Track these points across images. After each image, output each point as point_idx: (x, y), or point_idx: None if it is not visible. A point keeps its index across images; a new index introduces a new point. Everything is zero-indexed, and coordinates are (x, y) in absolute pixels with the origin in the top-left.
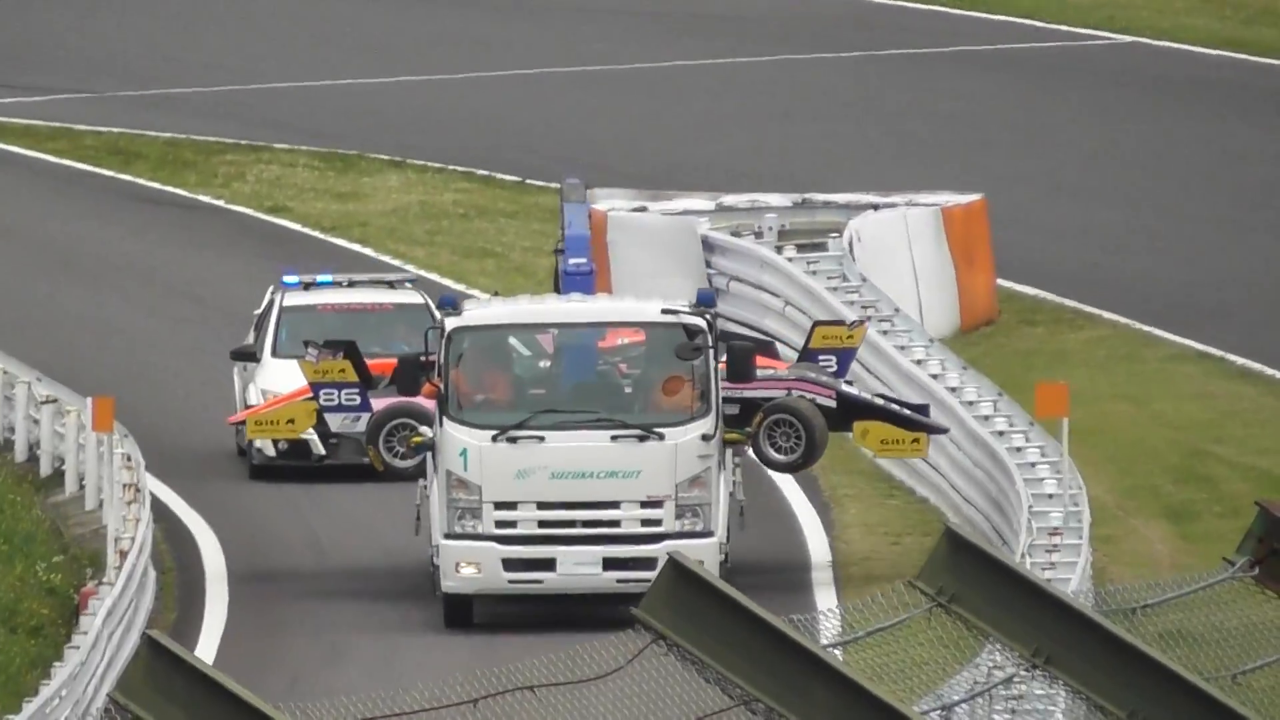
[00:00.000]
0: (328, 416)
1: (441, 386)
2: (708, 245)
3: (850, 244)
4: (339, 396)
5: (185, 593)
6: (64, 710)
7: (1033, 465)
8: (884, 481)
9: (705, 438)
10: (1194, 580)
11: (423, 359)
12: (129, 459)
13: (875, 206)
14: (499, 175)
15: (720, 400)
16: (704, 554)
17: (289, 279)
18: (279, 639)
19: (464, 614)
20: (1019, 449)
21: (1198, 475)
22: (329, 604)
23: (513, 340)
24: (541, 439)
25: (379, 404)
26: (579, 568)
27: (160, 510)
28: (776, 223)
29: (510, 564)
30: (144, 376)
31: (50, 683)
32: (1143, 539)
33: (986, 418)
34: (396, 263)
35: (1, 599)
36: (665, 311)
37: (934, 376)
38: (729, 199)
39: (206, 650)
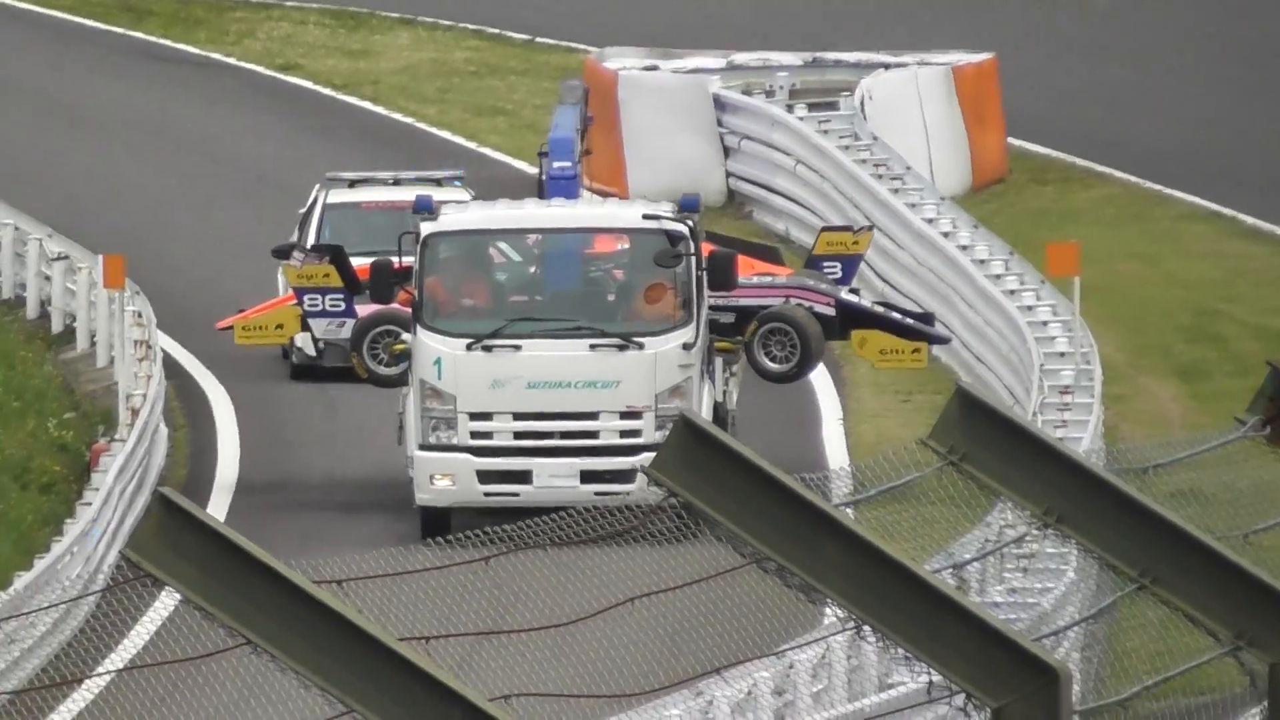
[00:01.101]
0: (312, 322)
1: (416, 293)
2: (719, 104)
3: (861, 103)
4: (323, 302)
5: (197, 450)
6: (75, 567)
7: (1044, 324)
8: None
9: (686, 347)
10: (1205, 439)
11: (397, 265)
12: (140, 316)
13: (886, 66)
14: (509, 33)
15: (704, 308)
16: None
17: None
18: (290, 497)
19: (441, 526)
20: (1030, 308)
21: (1208, 334)
22: (344, 463)
23: (502, 245)
24: (517, 348)
25: (363, 310)
26: (556, 480)
27: (172, 367)
28: (788, 81)
29: (485, 476)
30: (155, 233)
31: (62, 540)
32: (1154, 398)
33: (998, 276)
34: (407, 120)
35: (13, 456)
36: (647, 217)
37: (945, 235)
38: (740, 57)
39: (218, 508)
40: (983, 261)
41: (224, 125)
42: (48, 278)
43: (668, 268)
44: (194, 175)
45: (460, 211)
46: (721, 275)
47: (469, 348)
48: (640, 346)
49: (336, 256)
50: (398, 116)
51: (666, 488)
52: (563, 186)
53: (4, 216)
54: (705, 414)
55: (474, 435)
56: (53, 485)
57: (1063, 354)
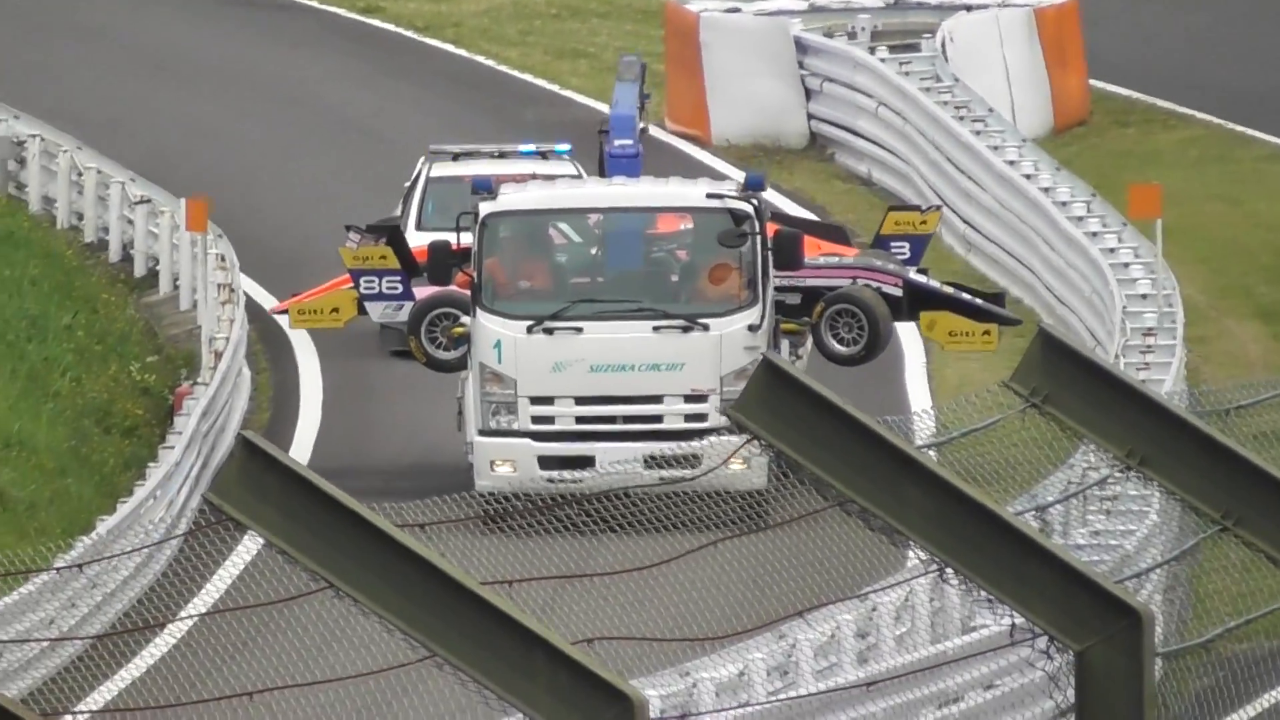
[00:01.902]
0: (368, 305)
1: (475, 275)
2: (800, 46)
3: (943, 45)
4: (379, 284)
5: (280, 393)
6: (158, 510)
7: (1126, 266)
8: (977, 282)
9: (752, 328)
10: None
11: (455, 246)
12: (223, 259)
13: (968, 7)
14: None
15: (770, 289)
16: (750, 451)
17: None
18: (373, 441)
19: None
20: (1112, 250)
21: None
22: (429, 405)
23: (562, 225)
24: (579, 330)
25: (421, 292)
26: (619, 465)
27: (254, 311)
28: (869, 23)
29: (547, 461)
30: (238, 178)
31: (144, 483)
32: (1236, 339)
33: (1080, 219)
34: (489, 63)
35: (96, 399)
36: (711, 196)
37: (1027, 177)
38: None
39: (300, 452)
40: (1065, 204)
41: (306, 69)
42: (130, 221)
43: (732, 247)
44: (276, 119)
45: (520, 191)
46: (787, 255)
47: (529, 330)
48: (705, 328)
49: (393, 237)
50: (480, 59)
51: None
52: (624, 165)
53: (87, 161)
54: None
55: (535, 420)
56: (135, 429)
57: (1145, 296)
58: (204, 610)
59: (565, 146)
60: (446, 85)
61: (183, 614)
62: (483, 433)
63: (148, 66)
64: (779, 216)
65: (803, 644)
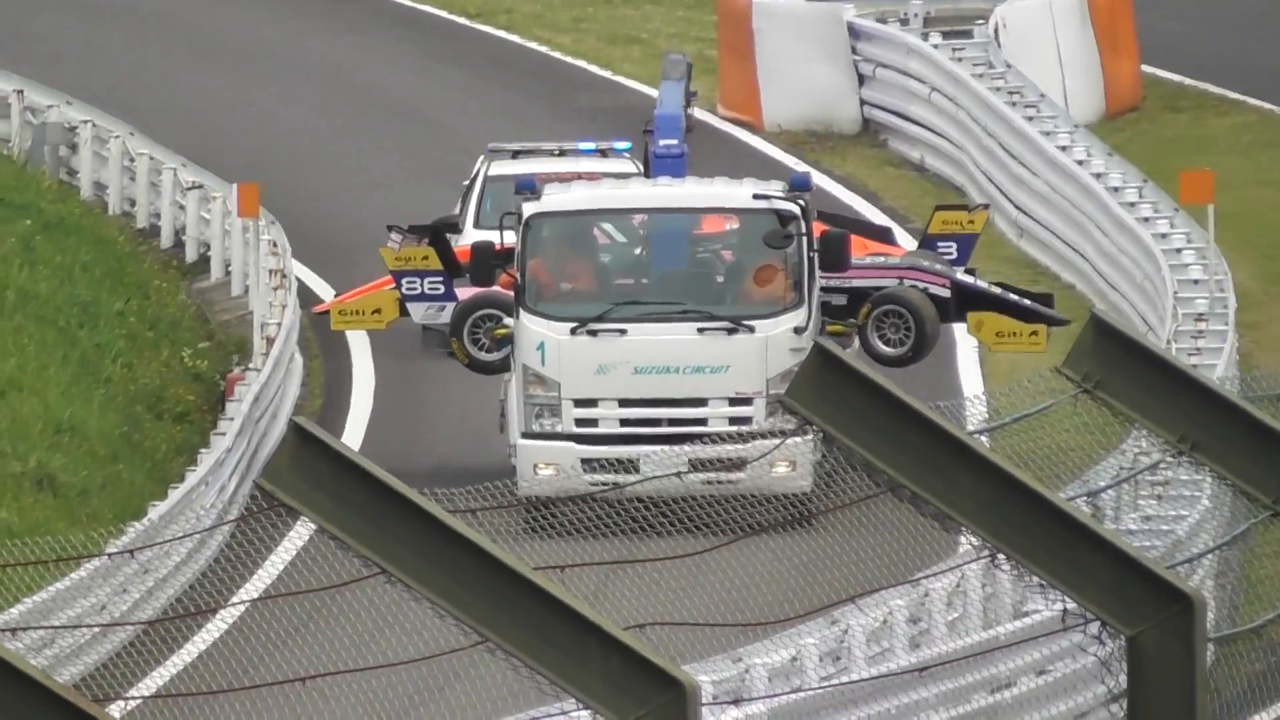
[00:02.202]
0: (410, 306)
1: (518, 276)
2: (853, 32)
3: (995, 30)
4: (421, 285)
5: (331, 380)
6: (209, 496)
7: (1178, 251)
8: (1029, 267)
9: (798, 330)
10: None
11: (498, 247)
12: (275, 245)
13: None
14: None
15: (816, 290)
16: (797, 454)
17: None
18: (424, 427)
19: (543, 518)
20: (1164, 235)
21: None
22: (479, 392)
23: (607, 226)
24: (623, 332)
25: (464, 293)
26: (664, 468)
27: (306, 297)
28: (922, 9)
29: (590, 464)
30: (289, 163)
31: (196, 469)
32: None
33: (1132, 204)
34: (542, 49)
35: (148, 385)
36: (757, 196)
37: (1079, 163)
38: None
39: (352, 438)
40: (1117, 189)
41: (358, 54)
42: (182, 207)
43: (778, 249)
44: (327, 105)
45: (563, 191)
46: (834, 256)
47: (573, 332)
48: (750, 330)
49: (436, 238)
50: (532, 45)
51: (802, 416)
52: (669, 165)
53: (139, 147)
54: None
55: (579, 422)
56: (187, 415)
57: (1196, 281)
58: (256, 596)
59: (625, 144)
60: (499, 71)
61: (234, 599)
62: (526, 435)
63: (200, 52)
64: (825, 216)
65: (855, 629)
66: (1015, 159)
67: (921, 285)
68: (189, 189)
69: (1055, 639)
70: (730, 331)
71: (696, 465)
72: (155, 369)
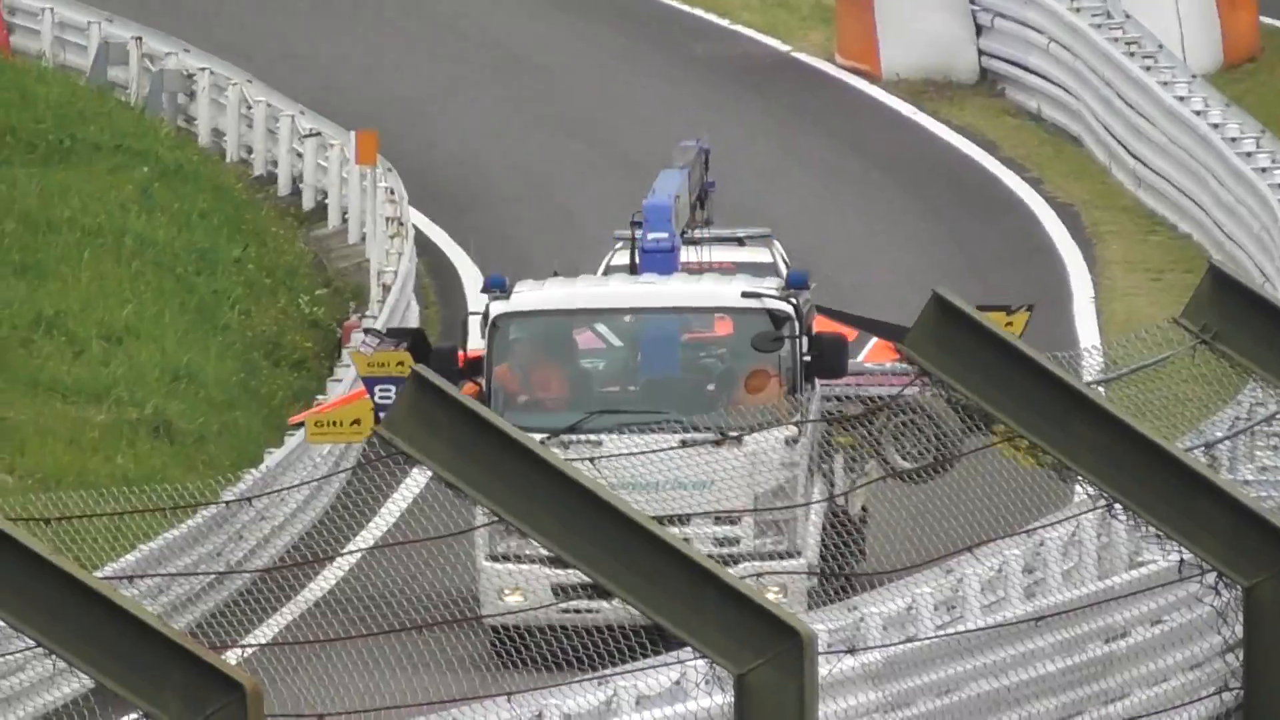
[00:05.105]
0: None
1: (485, 382)
2: None
3: None
4: (395, 393)
5: (448, 327)
6: (325, 443)
7: None
8: (1146, 218)
9: (790, 442)
10: None
11: (461, 353)
12: (392, 192)
13: None
14: None
15: (816, 398)
16: (789, 578)
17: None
18: None
19: (514, 648)
20: None
21: None
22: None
23: (600, 327)
24: (599, 443)
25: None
26: None
27: (423, 244)
28: None
29: (561, 590)
30: (407, 111)
31: None
32: None
33: (1249, 154)
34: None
35: (265, 332)
36: (747, 295)
37: (1197, 113)
38: None
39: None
40: (1234, 140)
41: (473, 3)
42: (299, 154)
43: (766, 352)
44: (445, 52)
45: (535, 290)
46: (829, 361)
47: (542, 443)
48: (738, 441)
49: (415, 342)
50: None
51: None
52: (658, 260)
53: (257, 94)
54: (815, 522)
55: None
56: (304, 362)
57: None
58: (370, 544)
59: (765, 231)
60: (616, 18)
61: (349, 548)
62: (490, 558)
63: (317, 2)
64: (840, 315)
65: (970, 579)
66: (1133, 109)
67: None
68: (307, 136)
69: (1170, 589)
70: (715, 443)
71: None
72: (272, 316)
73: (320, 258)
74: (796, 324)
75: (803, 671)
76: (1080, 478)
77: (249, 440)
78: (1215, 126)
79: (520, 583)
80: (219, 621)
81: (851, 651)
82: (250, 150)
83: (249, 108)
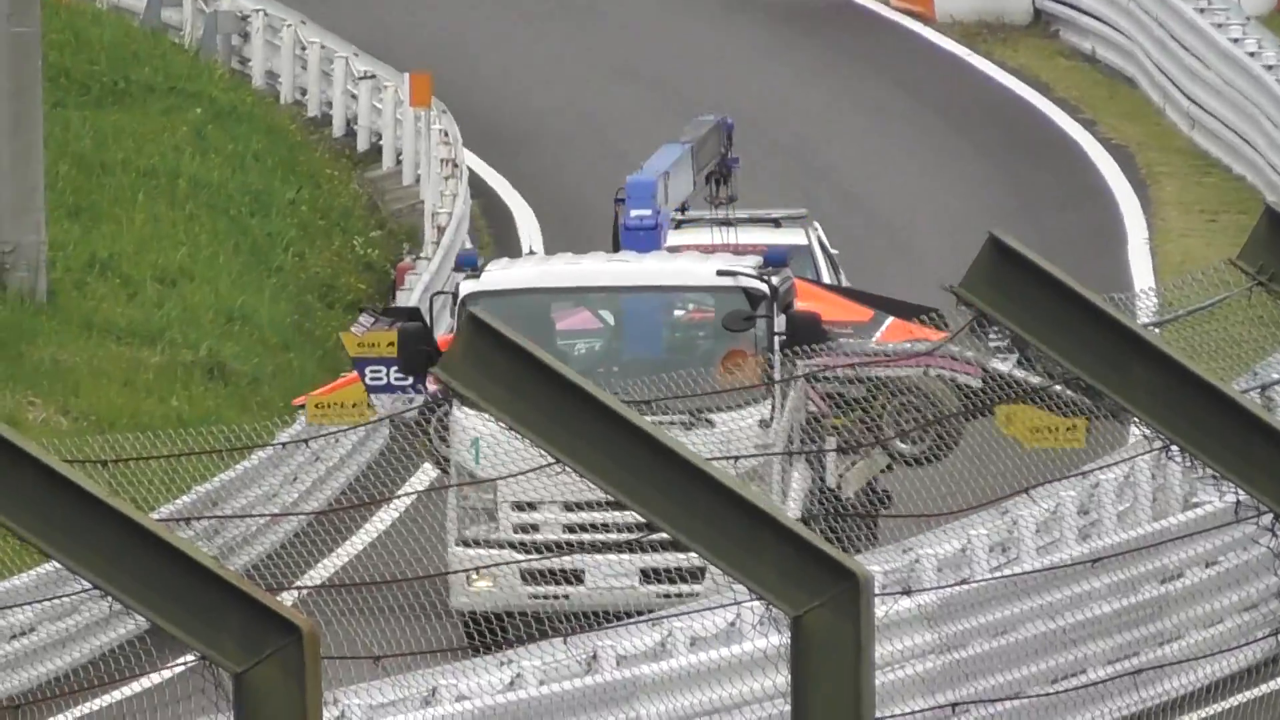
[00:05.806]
0: (374, 399)
1: None
2: None
3: None
4: (387, 375)
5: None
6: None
7: None
8: (1201, 159)
9: (764, 424)
10: None
11: (433, 333)
12: (446, 134)
13: None
14: None
15: (795, 379)
16: None
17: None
18: None
19: (486, 633)
20: None
21: None
22: None
23: (602, 310)
24: None
25: (435, 384)
26: (612, 579)
27: (478, 186)
28: None
29: (531, 576)
30: (461, 53)
31: None
32: None
33: None
34: None
35: (319, 274)
36: (722, 273)
37: (1251, 55)
38: None
39: None
40: None
41: None
42: (354, 96)
43: (737, 331)
44: None
45: (506, 269)
46: (804, 338)
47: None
48: (710, 424)
49: (411, 321)
50: None
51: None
52: (639, 239)
53: (311, 36)
54: (795, 504)
55: (517, 529)
56: (358, 303)
57: None
58: (424, 487)
59: (801, 212)
60: None
61: (403, 490)
62: (460, 543)
63: None
64: (863, 296)
65: (1025, 520)
66: (1187, 50)
67: (949, 374)
68: (361, 78)
69: (1225, 531)
70: (687, 426)
71: (649, 575)
72: (326, 258)
73: (374, 200)
74: (774, 303)
75: (859, 613)
76: (1138, 419)
77: (303, 382)
78: (1269, 68)
79: (490, 569)
80: (274, 563)
81: (908, 593)
82: (304, 92)
83: (303, 49)
